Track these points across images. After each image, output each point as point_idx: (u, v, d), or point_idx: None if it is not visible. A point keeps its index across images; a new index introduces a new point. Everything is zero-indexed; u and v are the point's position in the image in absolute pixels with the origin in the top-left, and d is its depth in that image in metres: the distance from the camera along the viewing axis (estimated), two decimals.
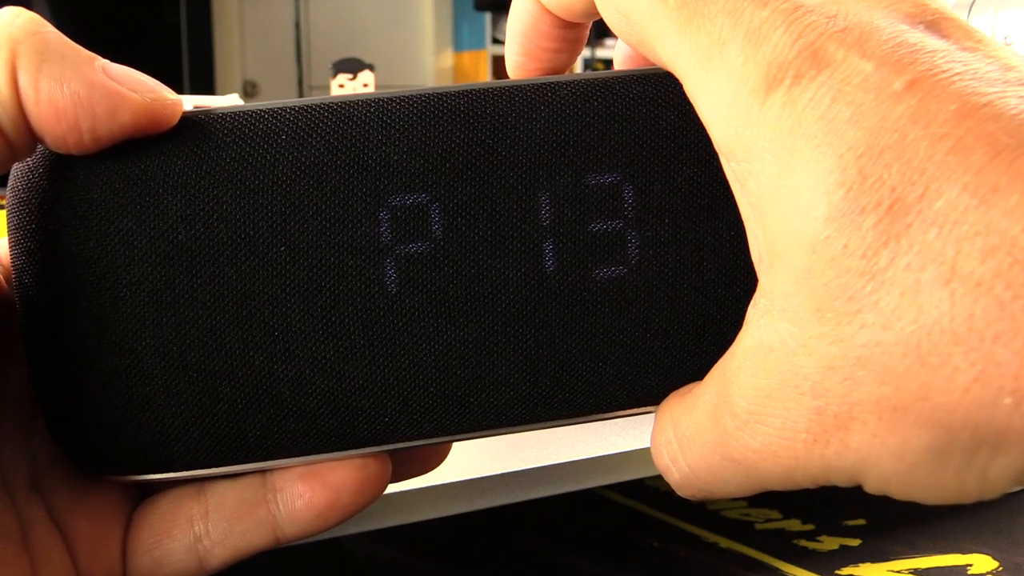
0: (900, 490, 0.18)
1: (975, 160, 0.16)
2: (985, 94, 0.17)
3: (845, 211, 0.17)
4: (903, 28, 0.18)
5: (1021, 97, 0.17)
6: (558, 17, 0.25)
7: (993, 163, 0.16)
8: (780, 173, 0.18)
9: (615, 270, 0.22)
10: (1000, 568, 0.38)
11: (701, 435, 0.21)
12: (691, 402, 0.22)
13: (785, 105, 0.18)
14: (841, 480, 0.19)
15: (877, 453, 0.18)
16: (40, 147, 0.22)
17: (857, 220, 0.17)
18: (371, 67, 1.77)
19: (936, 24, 0.19)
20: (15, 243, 0.22)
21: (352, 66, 1.76)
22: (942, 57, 0.18)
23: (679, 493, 0.22)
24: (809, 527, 0.42)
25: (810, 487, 0.20)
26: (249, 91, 3.26)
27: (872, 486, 0.19)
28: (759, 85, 0.18)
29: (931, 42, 0.18)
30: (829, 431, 0.18)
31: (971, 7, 0.53)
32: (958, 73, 0.17)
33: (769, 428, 0.19)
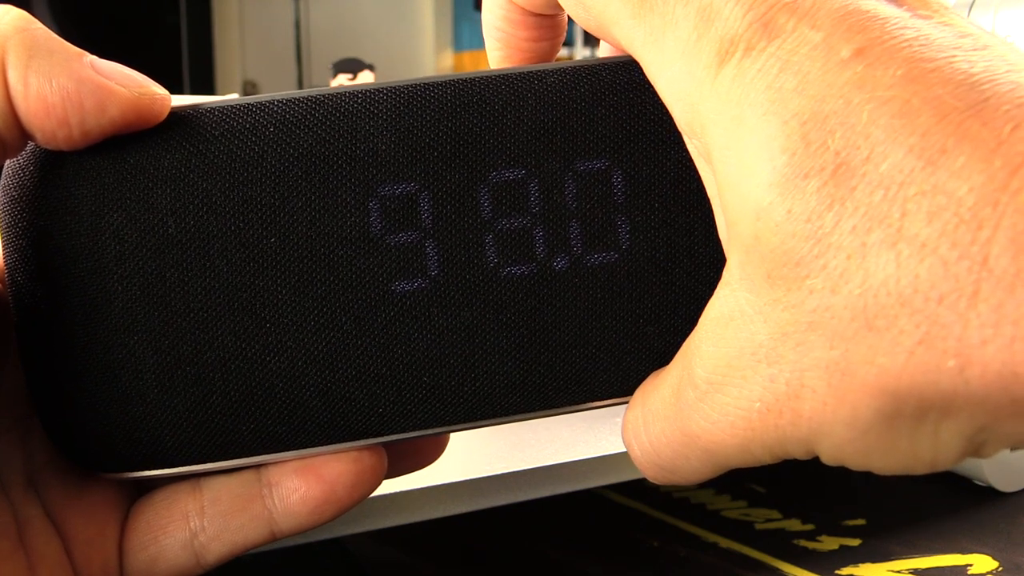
0: (855, 459, 0.18)
1: (921, 123, 0.16)
2: (933, 59, 0.17)
3: (788, 176, 0.17)
4: None
5: (971, 62, 0.17)
6: (525, 8, 0.25)
7: (940, 125, 0.16)
8: (728, 144, 0.18)
9: (606, 256, 0.22)
10: (1000, 568, 0.38)
11: (664, 409, 0.21)
12: (661, 379, 0.22)
13: (735, 77, 0.18)
14: (798, 451, 0.19)
15: (829, 422, 0.18)
16: (30, 144, 0.22)
17: (800, 184, 0.17)
18: (371, 67, 1.77)
19: None
20: (7, 241, 0.22)
21: (352, 66, 1.77)
22: (894, 24, 0.18)
23: (643, 473, 0.22)
24: (809, 527, 0.42)
25: (771, 462, 0.20)
26: (249, 91, 3.25)
27: (827, 456, 0.19)
28: (712, 60, 0.19)
29: (884, 9, 0.18)
30: (781, 400, 0.18)
31: (971, 7, 0.53)
32: (908, 40, 0.17)
33: (727, 398, 0.19)
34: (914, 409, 0.17)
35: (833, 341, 0.17)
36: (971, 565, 0.38)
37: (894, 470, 0.18)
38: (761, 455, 0.19)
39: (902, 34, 0.17)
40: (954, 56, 0.17)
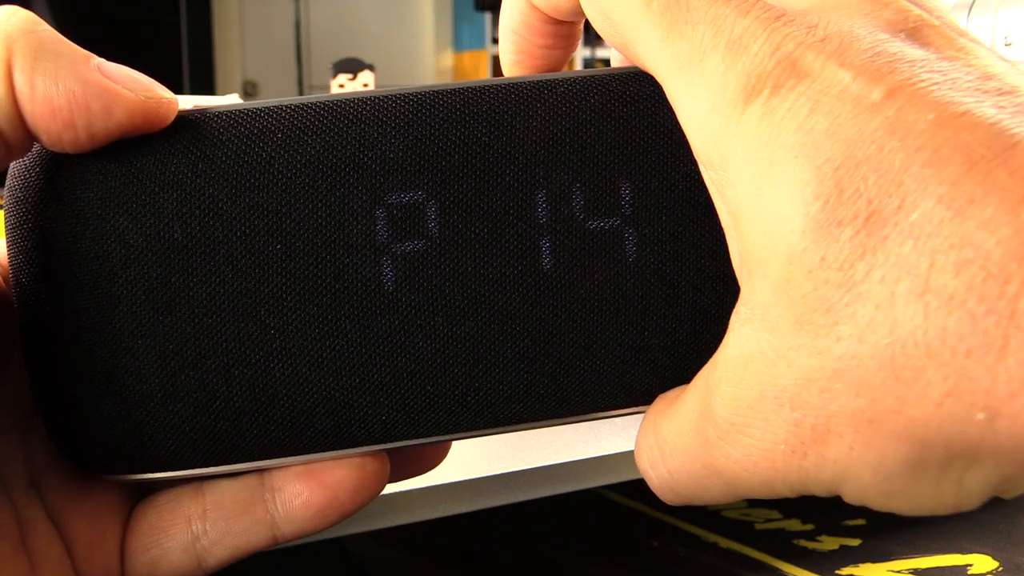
0: (878, 501, 0.18)
1: (951, 172, 0.16)
2: (962, 103, 0.17)
3: (823, 223, 0.17)
4: (883, 37, 0.18)
5: (999, 107, 0.17)
6: (547, 14, 0.25)
7: (969, 174, 0.16)
8: (757, 183, 0.18)
9: (612, 268, 0.22)
10: (1000, 568, 0.38)
11: (683, 443, 0.21)
12: (675, 408, 0.22)
13: (763, 116, 0.18)
14: (820, 491, 0.19)
15: (855, 466, 0.18)
16: (36, 146, 0.22)
17: (835, 232, 0.17)
18: (371, 67, 1.77)
19: (917, 32, 0.19)
20: (12, 243, 0.22)
21: (352, 66, 1.77)
22: (921, 67, 0.18)
23: (660, 497, 0.22)
24: (809, 527, 0.42)
25: (790, 496, 0.20)
26: (249, 91, 3.25)
27: (851, 497, 0.19)
28: (738, 95, 0.18)
29: (911, 51, 0.18)
30: (807, 443, 0.18)
31: (971, 7, 0.53)
32: (936, 83, 0.17)
33: (749, 439, 0.19)
34: (941, 458, 0.17)
35: (859, 390, 0.17)
36: (971, 565, 0.38)
37: (916, 512, 0.18)
38: (782, 491, 0.19)
39: (931, 77, 0.17)
40: (982, 101, 0.17)
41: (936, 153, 0.16)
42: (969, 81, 0.17)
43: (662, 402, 0.22)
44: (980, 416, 0.16)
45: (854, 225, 0.17)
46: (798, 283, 0.18)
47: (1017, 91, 0.17)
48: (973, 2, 0.53)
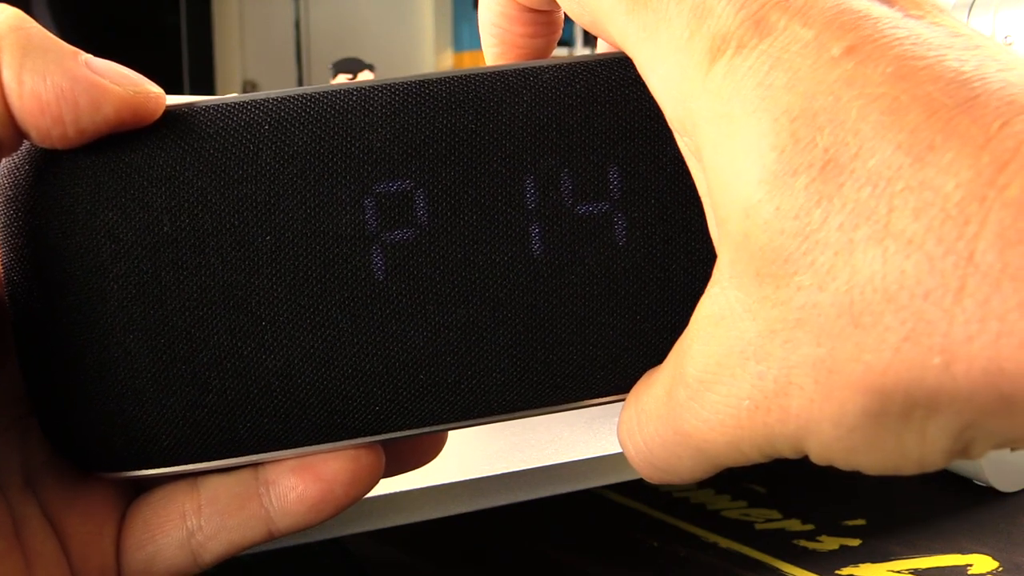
0: (842, 458, 0.18)
1: (911, 119, 0.16)
2: (924, 57, 0.17)
3: (777, 173, 0.17)
4: None
5: (962, 60, 0.17)
6: (522, 3, 0.25)
7: (929, 121, 0.16)
8: (717, 141, 0.18)
9: (603, 252, 0.22)
10: (1000, 568, 0.38)
11: (658, 408, 0.21)
12: (654, 378, 0.22)
13: (726, 75, 0.18)
14: (786, 450, 0.19)
15: (816, 419, 0.18)
16: (25, 143, 0.22)
17: (789, 181, 0.17)
18: (371, 67, 1.77)
19: None
20: (3, 240, 0.22)
21: (352, 66, 1.77)
22: (885, 23, 0.18)
23: (638, 472, 0.22)
24: (809, 527, 0.42)
25: (761, 460, 0.20)
26: (249, 91, 3.24)
27: (815, 454, 0.19)
28: (703, 57, 0.18)
29: (876, 9, 0.18)
30: (769, 397, 0.18)
31: (971, 7, 0.53)
32: (899, 39, 0.17)
33: (716, 396, 0.19)
34: (900, 406, 0.17)
35: (820, 338, 0.17)
36: (971, 565, 0.38)
37: (882, 470, 0.18)
38: (751, 453, 0.19)
39: (893, 33, 0.17)
40: (945, 55, 0.17)
41: (895, 101, 0.16)
42: (934, 37, 0.17)
43: (646, 375, 0.22)
44: (937, 360, 0.16)
45: (809, 173, 0.17)
46: (755, 235, 0.18)
47: (981, 48, 0.17)
48: (973, 2, 0.53)
